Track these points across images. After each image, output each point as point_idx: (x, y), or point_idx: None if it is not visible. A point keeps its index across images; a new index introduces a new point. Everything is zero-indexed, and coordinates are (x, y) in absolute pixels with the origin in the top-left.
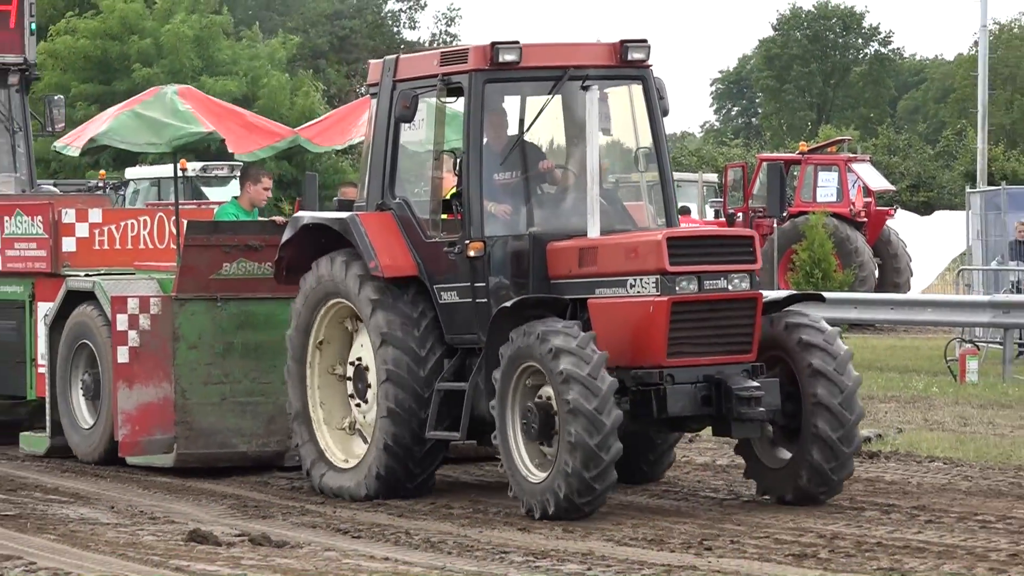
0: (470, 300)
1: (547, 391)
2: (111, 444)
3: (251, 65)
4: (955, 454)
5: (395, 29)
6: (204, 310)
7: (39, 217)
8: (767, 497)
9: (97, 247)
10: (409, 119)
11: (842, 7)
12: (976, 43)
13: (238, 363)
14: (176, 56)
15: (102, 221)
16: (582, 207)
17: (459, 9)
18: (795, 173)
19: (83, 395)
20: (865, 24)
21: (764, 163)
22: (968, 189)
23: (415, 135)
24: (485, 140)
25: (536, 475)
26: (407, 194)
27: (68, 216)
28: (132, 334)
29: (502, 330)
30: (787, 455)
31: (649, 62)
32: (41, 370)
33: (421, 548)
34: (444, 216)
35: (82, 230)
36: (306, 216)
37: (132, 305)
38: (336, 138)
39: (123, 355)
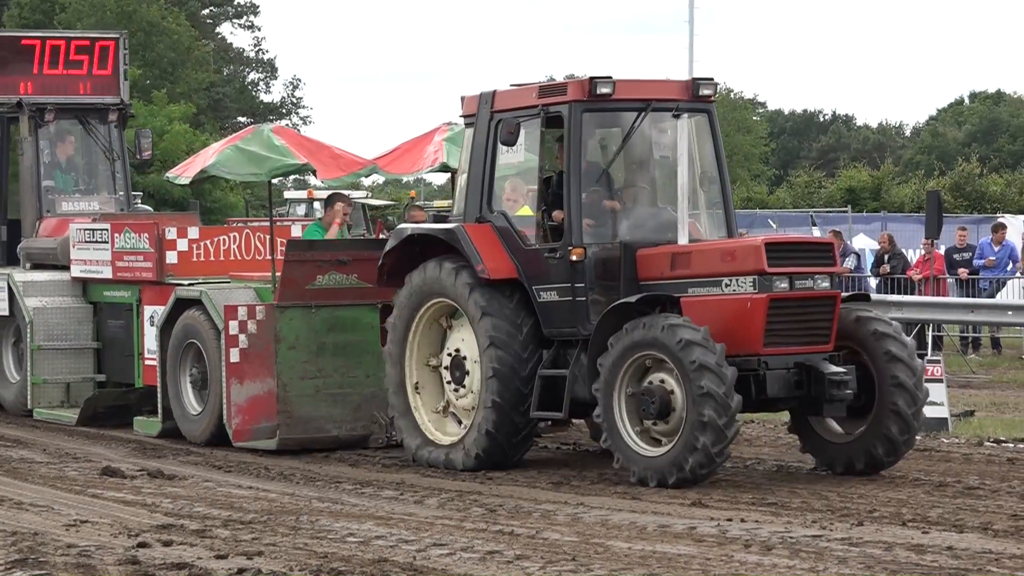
0: (569, 299)
1: (660, 376)
2: (217, 428)
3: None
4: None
5: (254, 93)
6: (301, 315)
7: (145, 234)
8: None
9: (195, 259)
10: (512, 143)
11: None
12: None
13: (329, 360)
14: None
15: (199, 237)
16: (657, 220)
17: (301, 80)
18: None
19: (191, 386)
20: None
21: None
22: None
23: (508, 158)
24: (583, 162)
25: (648, 449)
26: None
27: (170, 233)
28: (242, 337)
29: (613, 323)
30: (849, 430)
31: (714, 97)
32: (147, 362)
33: (277, 479)
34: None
35: (182, 244)
36: (409, 228)
37: (242, 313)
38: (405, 167)
39: (235, 355)
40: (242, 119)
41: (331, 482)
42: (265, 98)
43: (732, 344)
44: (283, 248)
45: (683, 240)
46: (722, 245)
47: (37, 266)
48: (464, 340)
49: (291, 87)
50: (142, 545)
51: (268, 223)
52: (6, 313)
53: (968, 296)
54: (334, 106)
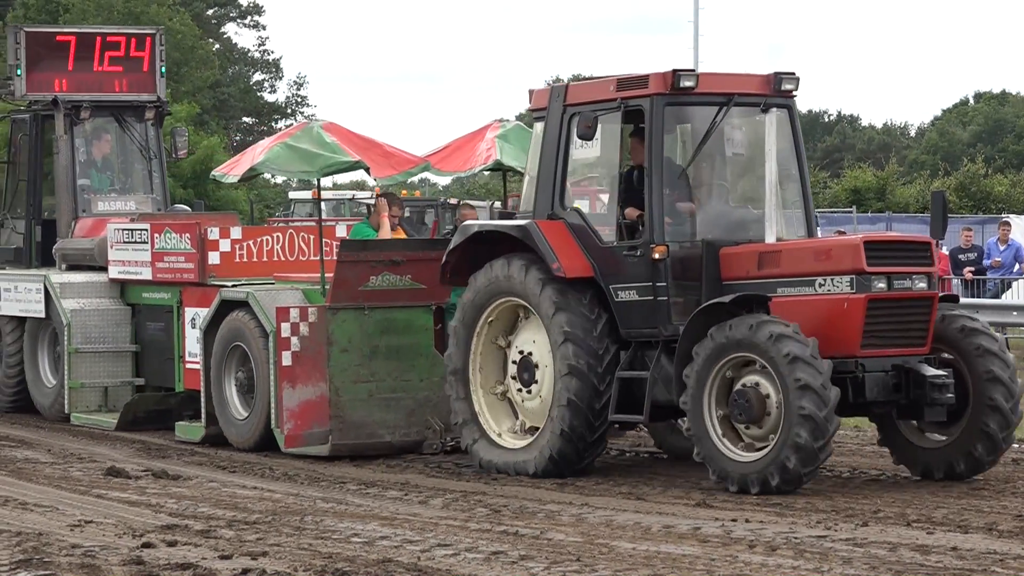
0: (649, 299)
1: (753, 379)
2: (264, 433)
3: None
4: None
5: (259, 93)
6: (353, 318)
7: (187, 234)
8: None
9: (238, 260)
10: (590, 138)
11: (590, 77)
12: None
13: (382, 364)
14: None
15: (242, 237)
16: (735, 218)
17: (305, 76)
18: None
19: (236, 390)
20: None
21: None
22: None
23: (582, 153)
24: (665, 157)
25: (741, 454)
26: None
27: (213, 233)
28: (294, 340)
29: (701, 325)
30: (942, 434)
31: (795, 92)
32: (189, 366)
33: (281, 479)
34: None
35: (225, 245)
36: (475, 225)
37: (293, 315)
38: (457, 164)
39: (287, 359)
40: (247, 119)
41: (335, 482)
42: (270, 98)
43: (827, 346)
44: (332, 248)
45: (771, 239)
46: (816, 243)
47: (73, 267)
48: (534, 341)
49: (296, 85)
50: (147, 545)
51: (315, 224)
52: (42, 315)
53: (973, 297)
54: (336, 106)
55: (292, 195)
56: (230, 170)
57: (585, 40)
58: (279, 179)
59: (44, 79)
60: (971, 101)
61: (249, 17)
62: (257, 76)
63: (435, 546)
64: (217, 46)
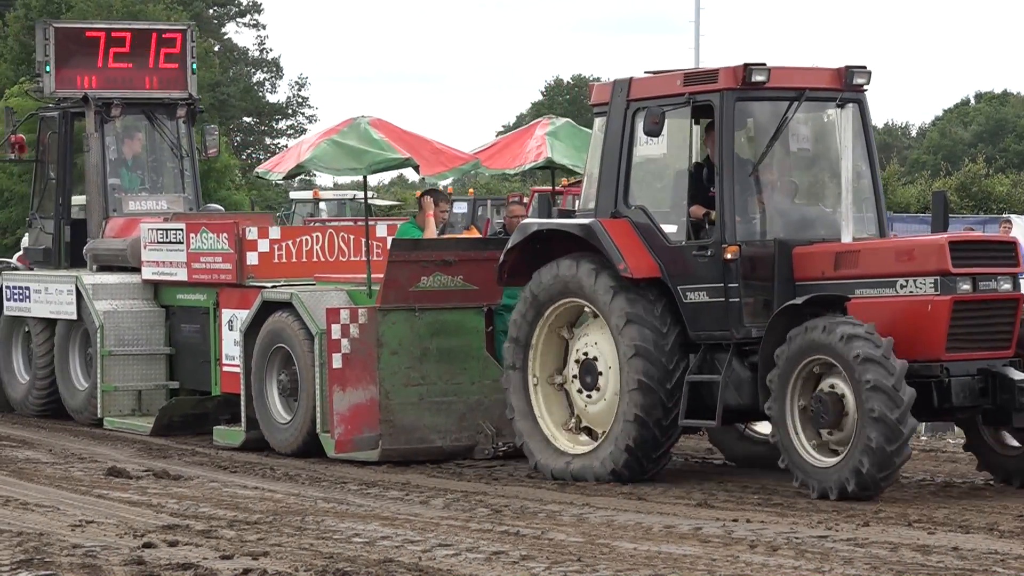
0: (720, 300)
1: (831, 381)
2: (308, 437)
3: None
4: None
5: (260, 94)
6: (404, 319)
7: (224, 234)
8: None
9: (276, 260)
10: (657, 134)
11: (591, 77)
12: None
13: (433, 366)
14: None
15: (280, 237)
16: (806, 216)
17: (307, 77)
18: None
19: (279, 393)
20: None
21: (536, 194)
22: None
23: (646, 149)
24: (736, 154)
25: (823, 460)
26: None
27: (251, 233)
28: (344, 342)
29: (782, 326)
30: (1014, 443)
31: (867, 86)
32: (226, 369)
33: (282, 480)
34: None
35: (263, 245)
36: (535, 223)
37: (344, 316)
38: (506, 162)
39: (337, 361)
40: (247, 119)
41: (336, 482)
42: (270, 98)
43: (909, 349)
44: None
45: (847, 238)
46: (897, 243)
47: (103, 268)
48: (596, 344)
49: (297, 86)
50: (148, 545)
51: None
52: (74, 317)
53: None
54: (337, 106)
55: (293, 195)
56: (275, 167)
57: (585, 40)
58: (280, 179)
59: (73, 76)
60: (972, 101)
61: (249, 16)
62: (257, 76)
63: (436, 546)
64: (218, 46)
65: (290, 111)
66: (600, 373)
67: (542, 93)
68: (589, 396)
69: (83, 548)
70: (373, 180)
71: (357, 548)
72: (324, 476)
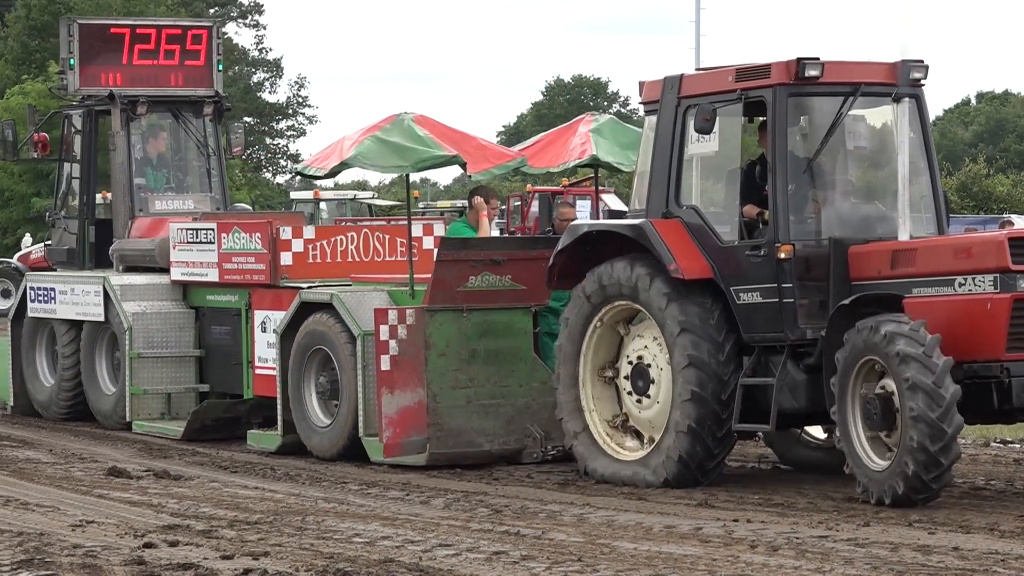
0: (775, 300)
1: (888, 383)
2: (350, 442)
3: None
4: None
5: (259, 94)
6: (451, 320)
7: (257, 234)
8: None
9: (311, 260)
10: (709, 131)
11: (591, 77)
12: None
13: (481, 368)
14: None
15: (315, 237)
16: (861, 214)
17: (306, 77)
18: (558, 200)
19: (317, 397)
20: (608, 90)
21: (535, 193)
22: None
23: (698, 147)
24: (790, 151)
25: (877, 463)
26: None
27: (285, 233)
28: (392, 343)
29: (839, 326)
30: None
31: (924, 81)
32: (259, 371)
33: (282, 480)
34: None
35: (297, 245)
36: (585, 225)
37: (392, 316)
38: (550, 160)
39: (385, 363)
40: (247, 119)
41: (337, 482)
42: (270, 98)
43: (968, 349)
44: (410, 247)
45: (904, 236)
46: (955, 240)
47: (130, 268)
48: (647, 347)
49: (297, 86)
50: (148, 545)
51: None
52: (101, 319)
53: None
54: (336, 106)
55: (293, 195)
56: (318, 164)
57: (585, 40)
58: (280, 179)
59: (98, 73)
60: (973, 101)
61: (249, 16)
62: (257, 76)
63: (436, 546)
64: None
65: (290, 111)
66: (652, 380)
67: (542, 93)
68: (639, 401)
69: (83, 548)
70: (373, 180)
71: (357, 548)
72: (324, 476)
